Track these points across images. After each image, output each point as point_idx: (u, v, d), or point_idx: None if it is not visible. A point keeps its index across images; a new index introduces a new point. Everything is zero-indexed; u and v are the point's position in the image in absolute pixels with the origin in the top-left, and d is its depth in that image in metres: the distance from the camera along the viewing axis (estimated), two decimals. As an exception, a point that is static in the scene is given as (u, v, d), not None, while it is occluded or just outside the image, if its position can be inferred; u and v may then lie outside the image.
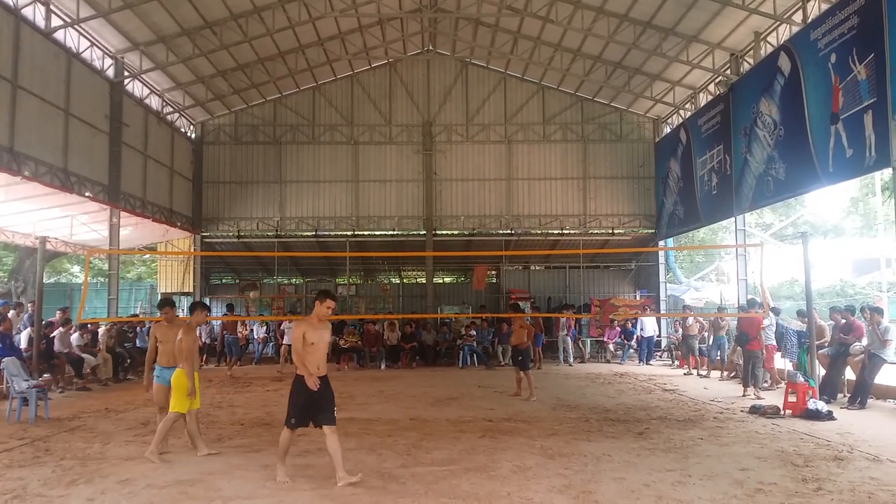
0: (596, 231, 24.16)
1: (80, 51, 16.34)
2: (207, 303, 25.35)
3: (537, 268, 26.46)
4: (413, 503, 5.87)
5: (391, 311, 24.53)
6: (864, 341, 11.88)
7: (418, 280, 28.13)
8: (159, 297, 25.80)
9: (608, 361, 21.19)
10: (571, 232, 24.11)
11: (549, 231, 24.23)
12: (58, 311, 15.97)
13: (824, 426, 9.59)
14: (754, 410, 10.83)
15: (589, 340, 22.35)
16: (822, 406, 10.27)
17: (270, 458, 7.65)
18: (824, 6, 13.52)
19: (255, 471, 7.10)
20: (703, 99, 20.02)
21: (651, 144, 23.94)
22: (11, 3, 13.60)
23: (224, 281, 27.90)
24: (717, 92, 18.12)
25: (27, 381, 10.73)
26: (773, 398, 11.80)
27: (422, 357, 20.80)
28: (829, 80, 12.69)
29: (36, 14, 14.56)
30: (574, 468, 7.12)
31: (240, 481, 6.68)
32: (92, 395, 13.51)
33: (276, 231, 24.05)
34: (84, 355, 14.92)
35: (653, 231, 23.84)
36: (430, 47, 23.90)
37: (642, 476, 6.75)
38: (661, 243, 23.77)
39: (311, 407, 6.70)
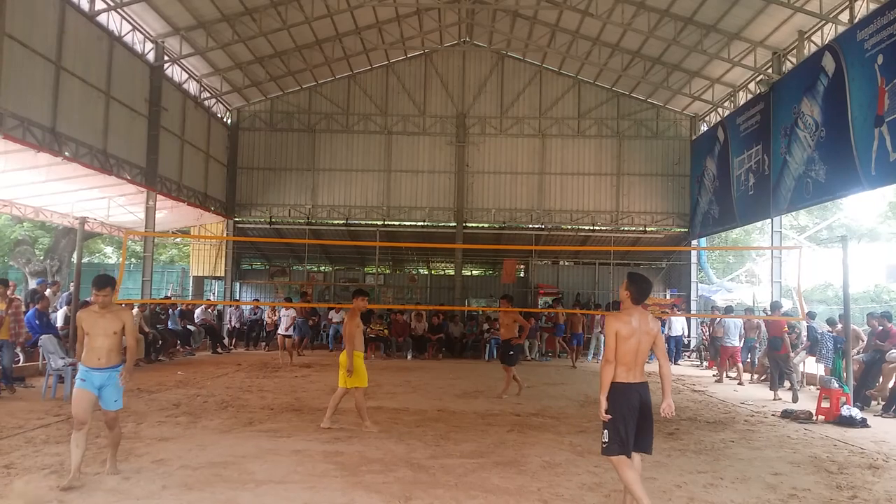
0: (628, 228, 23.99)
1: (122, 34, 16.51)
2: (221, 289, 25.66)
3: (567, 263, 26.35)
4: (445, 494, 5.88)
5: (419, 302, 24.59)
6: (901, 349, 11.69)
7: (447, 272, 28.13)
8: (190, 279, 26.18)
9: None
10: (603, 228, 23.96)
11: (580, 227, 24.10)
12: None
13: (858, 433, 9.44)
14: (786, 415, 10.69)
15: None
16: (856, 413, 10.11)
17: (301, 444, 7.75)
18: (872, 6, 13.23)
19: (286, 455, 7.17)
20: (743, 97, 19.73)
21: (687, 142, 23.67)
22: (57, -14, 13.79)
23: (254, 266, 28.17)
24: (758, 91, 17.84)
25: (63, 358, 10.96)
26: (803, 402, 11.69)
27: (448, 349, 20.84)
28: (875, 82, 12.43)
29: (81, -3, 14.76)
30: (604, 466, 7.07)
31: (272, 465, 6.75)
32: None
33: (308, 218, 24.18)
34: (117, 335, 15.11)
35: (686, 230, 23.60)
36: (467, 38, 23.84)
37: (673, 477, 6.71)
38: (694, 243, 23.54)
39: (639, 425, 5.19)
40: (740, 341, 15.92)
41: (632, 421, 5.12)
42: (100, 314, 6.15)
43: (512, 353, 12.55)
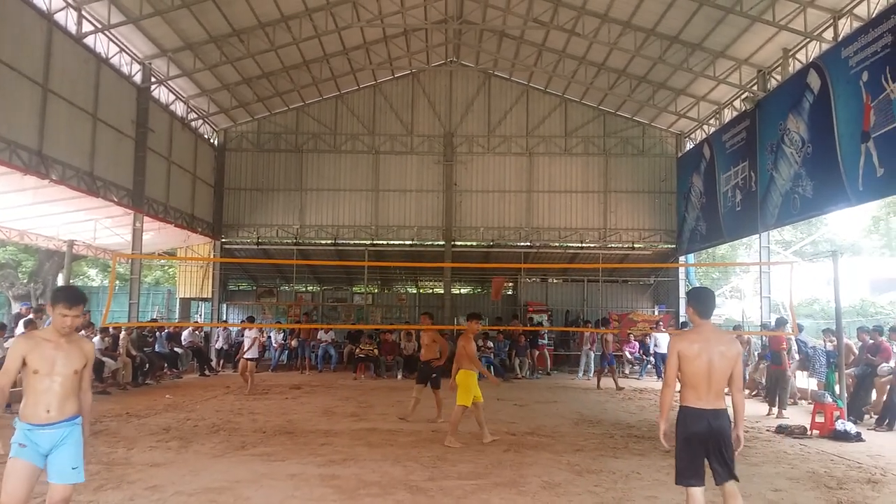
0: (615, 245, 24.06)
1: (109, 56, 16.44)
2: (225, 309, 25.47)
3: (555, 281, 26.36)
4: (446, 517, 5.82)
5: (408, 321, 24.48)
6: (892, 362, 11.74)
7: (435, 290, 28.08)
8: (177, 301, 25.86)
9: (626, 376, 21.03)
10: (591, 245, 24.01)
11: (569, 244, 24.14)
12: (80, 315, 16.01)
13: (854, 448, 9.45)
14: (781, 430, 10.69)
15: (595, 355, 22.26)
16: (850, 427, 10.12)
17: (296, 468, 7.64)
18: (856, 24, 13.42)
19: (282, 479, 7.07)
20: (729, 114, 19.90)
21: (673, 159, 23.82)
22: (45, 9, 13.71)
23: (241, 287, 27.98)
24: (743, 108, 18.00)
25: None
26: (795, 417, 11.69)
27: (439, 368, 20.68)
28: (861, 99, 12.57)
29: (68, 19, 14.67)
30: (604, 485, 7.04)
31: (268, 490, 6.65)
32: (112, 399, 13.54)
33: (295, 239, 24.07)
34: (105, 359, 14.95)
35: (673, 246, 23.68)
36: (454, 58, 23.93)
37: (674, 495, 6.62)
38: (682, 259, 23.61)
39: (710, 453, 4.85)
40: None
41: (699, 450, 4.80)
42: (55, 344, 4.30)
43: (435, 375, 11.71)
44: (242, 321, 23.68)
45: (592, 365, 20.66)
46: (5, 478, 4.17)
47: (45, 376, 4.24)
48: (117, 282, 29.64)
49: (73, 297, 4.39)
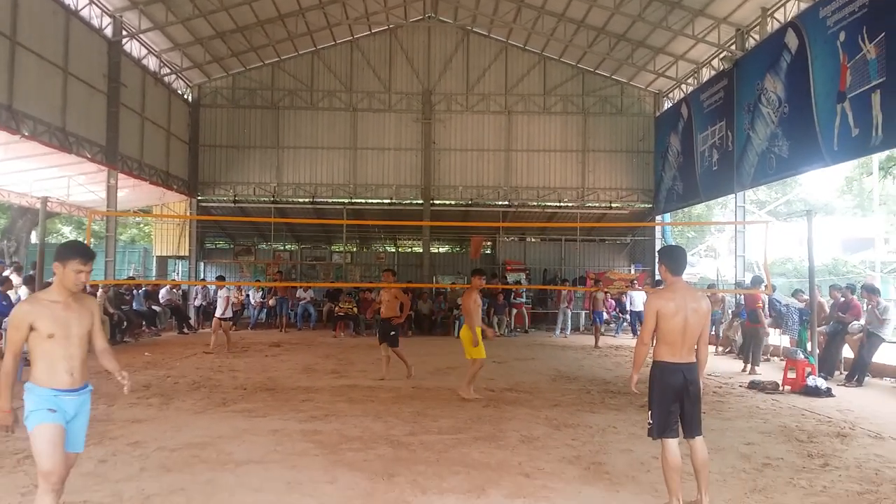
0: (593, 204, 24.16)
1: (79, 8, 16.01)
2: (202, 268, 25.33)
3: (533, 240, 26.46)
4: (427, 470, 5.90)
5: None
6: (862, 320, 11.99)
7: (414, 249, 28.12)
8: (153, 259, 25.59)
9: (603, 334, 21.29)
10: (569, 204, 24.10)
11: (547, 203, 24.20)
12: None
13: (824, 403, 9.69)
14: (753, 386, 10.94)
15: (583, 313, 22.56)
16: (821, 383, 10.38)
17: (278, 423, 7.71)
18: (835, -17, 13.40)
19: (264, 435, 7.13)
20: (707, 74, 19.90)
21: (651, 118, 23.84)
22: (10, -42, 13.30)
23: (218, 245, 27.82)
24: (721, 67, 18.01)
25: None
26: (768, 373, 11.96)
27: (417, 326, 20.86)
28: (838, 59, 12.62)
29: (35, -31, 14.25)
30: (581, 439, 7.18)
31: (250, 445, 6.71)
32: (89, 357, 13.44)
33: (273, 197, 23.89)
34: (82, 317, 14.79)
35: (650, 206, 23.85)
36: (432, 14, 23.61)
37: (649, 448, 6.75)
38: (658, 218, 23.79)
39: (682, 408, 5.00)
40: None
41: (674, 403, 4.96)
42: (64, 305, 4.08)
43: (393, 333, 11.58)
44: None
45: (570, 323, 20.97)
46: (40, 444, 3.95)
47: (63, 339, 4.06)
48: (92, 239, 29.32)
49: (88, 252, 4.17)
